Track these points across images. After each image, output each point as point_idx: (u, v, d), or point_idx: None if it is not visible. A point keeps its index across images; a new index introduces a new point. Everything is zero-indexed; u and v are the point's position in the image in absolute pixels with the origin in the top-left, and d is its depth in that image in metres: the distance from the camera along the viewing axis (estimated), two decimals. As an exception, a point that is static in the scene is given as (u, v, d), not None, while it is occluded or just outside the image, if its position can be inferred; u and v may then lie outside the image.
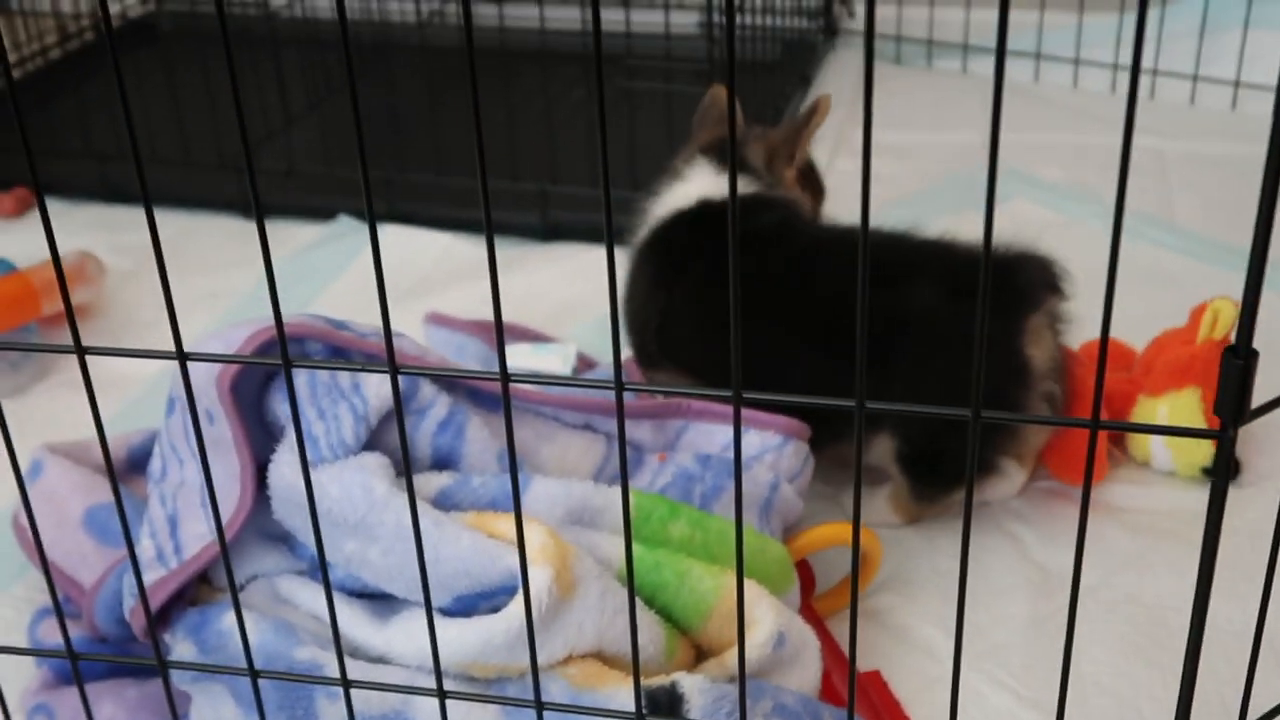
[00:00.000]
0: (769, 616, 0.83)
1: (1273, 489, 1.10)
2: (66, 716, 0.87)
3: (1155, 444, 1.12)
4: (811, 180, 1.20)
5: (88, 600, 0.90)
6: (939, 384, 0.98)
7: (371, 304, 0.55)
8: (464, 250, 1.54)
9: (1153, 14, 1.89)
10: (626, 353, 1.12)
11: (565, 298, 1.41)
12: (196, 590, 0.88)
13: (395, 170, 1.61)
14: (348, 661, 0.73)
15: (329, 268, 1.51)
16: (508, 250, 1.53)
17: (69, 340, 0.61)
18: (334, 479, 0.81)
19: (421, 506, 0.81)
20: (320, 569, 0.64)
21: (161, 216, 0.65)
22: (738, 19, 1.64)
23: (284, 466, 0.83)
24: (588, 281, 1.45)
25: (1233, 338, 0.52)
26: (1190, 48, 1.85)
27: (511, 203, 1.56)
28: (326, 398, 0.85)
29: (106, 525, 0.95)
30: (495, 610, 0.78)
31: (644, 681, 0.77)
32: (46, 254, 0.61)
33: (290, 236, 1.57)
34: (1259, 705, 0.71)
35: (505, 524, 0.82)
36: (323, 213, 1.61)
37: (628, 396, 1.02)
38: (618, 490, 0.88)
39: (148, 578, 0.84)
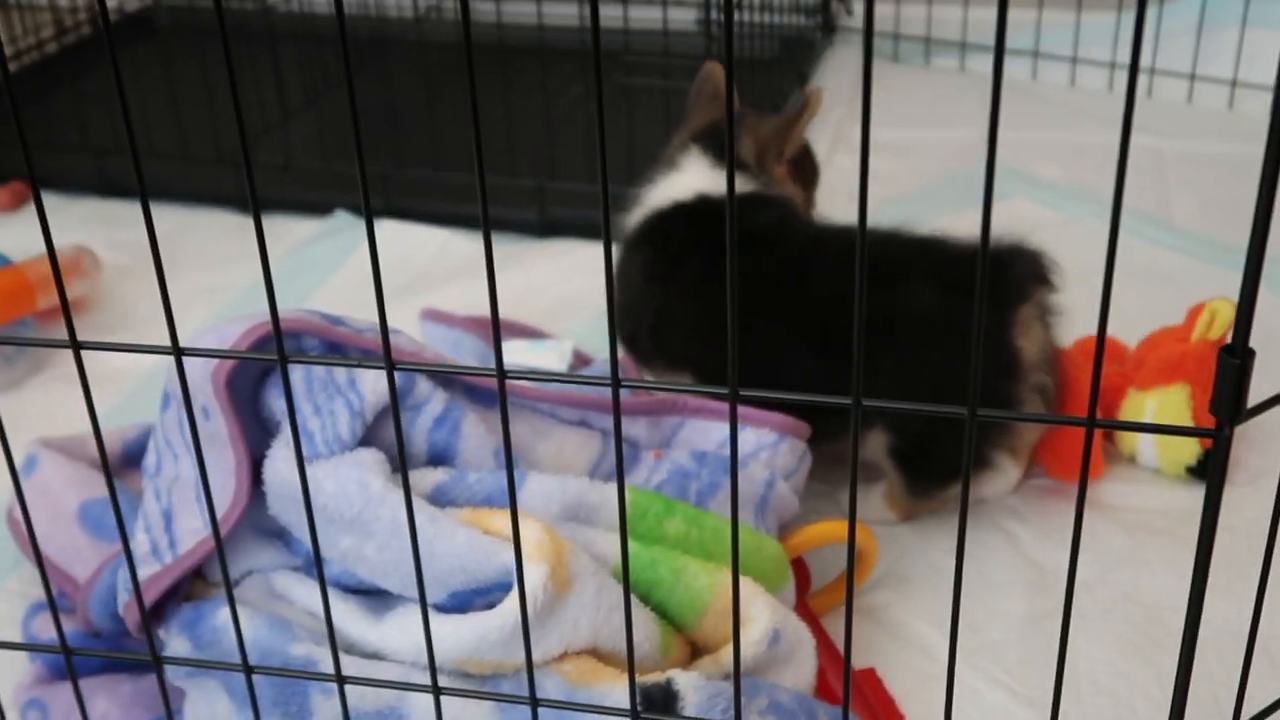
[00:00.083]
0: (764, 614, 0.83)
1: (1268, 487, 1.10)
2: (60, 712, 0.87)
3: (1142, 439, 1.12)
4: (806, 166, 1.20)
5: (82, 595, 0.90)
6: (930, 379, 0.98)
7: (368, 300, 0.55)
8: (461, 246, 1.54)
9: (1150, 12, 1.89)
10: (622, 351, 1.12)
11: (562, 294, 1.41)
12: (191, 586, 0.88)
13: (393, 166, 1.60)
14: (342, 657, 0.73)
15: (326, 263, 1.51)
16: (505, 246, 1.53)
17: (64, 335, 0.61)
18: (330, 475, 0.81)
19: (417, 502, 0.81)
20: (315, 565, 0.64)
21: (158, 211, 0.65)
22: (736, 16, 1.63)
23: (279, 462, 0.83)
24: (585, 278, 1.45)
25: (1229, 337, 0.52)
26: (1188, 46, 1.85)
27: (509, 199, 1.56)
28: (322, 393, 0.85)
29: (101, 520, 0.95)
30: (490, 607, 0.78)
31: (639, 678, 0.77)
32: (42, 248, 0.61)
33: (287, 231, 1.57)
34: (1253, 704, 0.71)
35: (501, 520, 0.82)
36: (320, 208, 1.61)
37: (624, 393, 1.02)
38: (613, 487, 0.88)
39: (142, 573, 0.84)
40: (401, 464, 0.60)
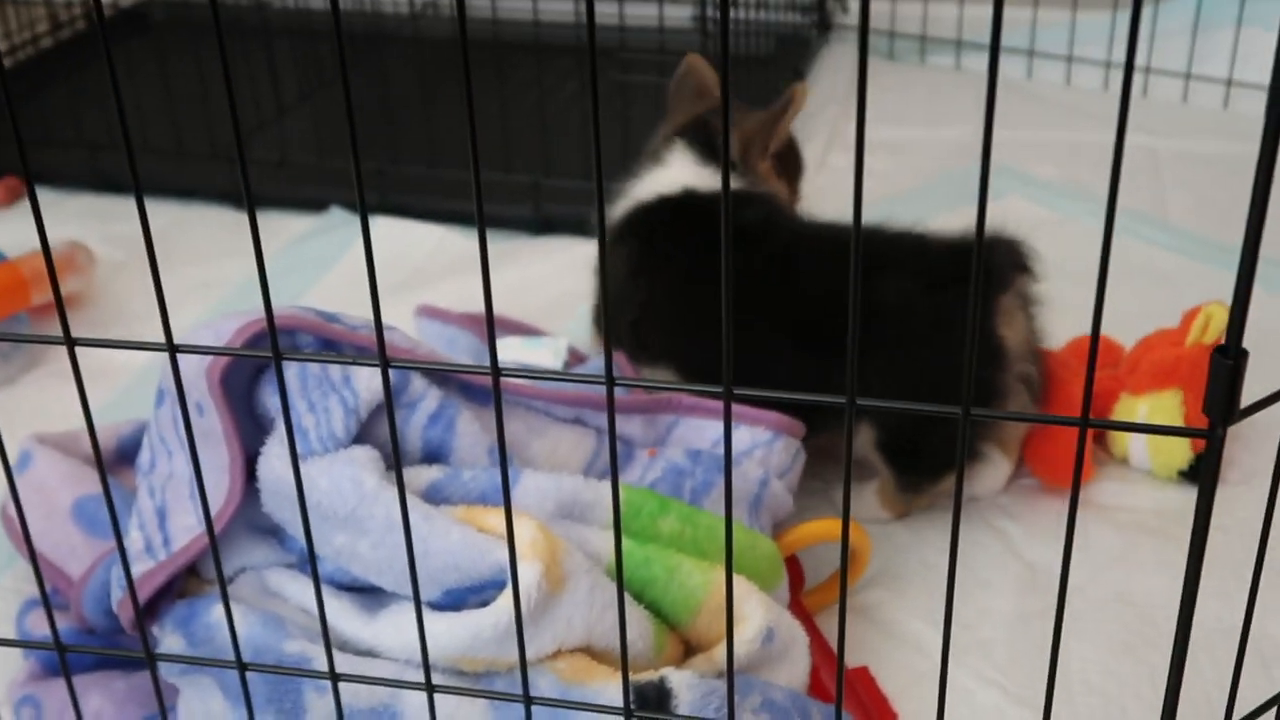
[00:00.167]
0: (758, 612, 0.83)
1: (1260, 487, 1.10)
2: (54, 708, 0.87)
3: (1134, 443, 1.12)
4: (790, 159, 1.20)
5: (76, 592, 0.90)
6: (915, 372, 0.99)
7: (364, 296, 0.55)
8: (456, 243, 1.53)
9: (1146, 11, 1.89)
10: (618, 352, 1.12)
11: (557, 291, 1.41)
12: (185, 583, 0.88)
13: (388, 162, 1.60)
14: (336, 655, 0.73)
15: (321, 259, 1.50)
16: (500, 243, 1.53)
17: (59, 330, 0.60)
18: (324, 472, 0.81)
19: (411, 500, 0.81)
20: (309, 562, 0.64)
21: (153, 207, 0.65)
22: (731, 13, 1.63)
23: (274, 459, 0.83)
24: (580, 275, 1.45)
25: (1224, 340, 0.52)
26: (1183, 46, 1.85)
27: (504, 195, 1.56)
28: (317, 390, 0.85)
29: (95, 516, 0.95)
30: (484, 604, 0.78)
31: (633, 676, 0.77)
32: (37, 243, 0.61)
33: (282, 228, 1.57)
34: (1245, 704, 0.71)
35: (495, 518, 0.82)
36: (315, 204, 1.60)
37: (619, 391, 1.02)
38: (608, 485, 0.88)
39: (136, 570, 0.84)
40: (396, 461, 0.60)
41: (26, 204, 1.47)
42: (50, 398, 1.27)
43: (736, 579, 0.84)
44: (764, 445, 0.98)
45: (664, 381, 1.10)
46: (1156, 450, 1.11)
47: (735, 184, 1.12)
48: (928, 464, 1.05)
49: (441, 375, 0.91)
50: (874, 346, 0.98)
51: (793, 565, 0.97)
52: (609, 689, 0.77)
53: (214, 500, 0.84)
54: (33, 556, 0.69)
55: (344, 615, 0.82)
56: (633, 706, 0.68)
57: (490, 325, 0.55)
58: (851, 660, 0.94)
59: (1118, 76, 1.89)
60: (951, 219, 1.13)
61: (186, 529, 0.85)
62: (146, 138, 1.65)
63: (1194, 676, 0.91)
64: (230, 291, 1.46)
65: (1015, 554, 1.05)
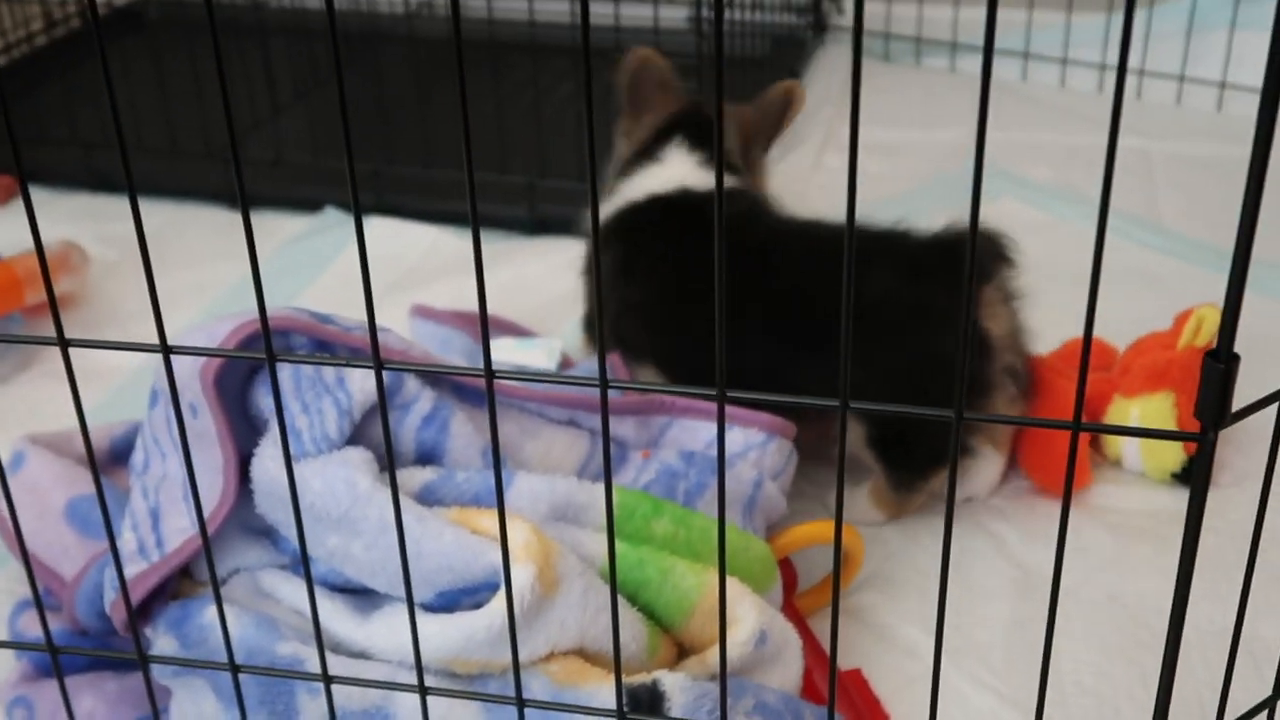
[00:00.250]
0: (751, 615, 0.83)
1: (1252, 489, 1.10)
2: (46, 709, 0.87)
3: (1127, 445, 1.13)
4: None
5: (68, 593, 0.90)
6: (897, 365, 0.99)
7: (358, 297, 0.55)
8: (451, 243, 1.53)
9: (1140, 14, 1.90)
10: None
11: (552, 292, 1.41)
12: (178, 584, 0.87)
13: (383, 162, 1.60)
14: (329, 657, 0.73)
15: (315, 260, 1.50)
16: (495, 244, 1.53)
17: (52, 330, 0.60)
18: (317, 473, 0.81)
19: (405, 502, 0.81)
20: (302, 563, 0.64)
21: (147, 206, 0.65)
22: (726, 14, 1.63)
23: (267, 460, 0.83)
24: (575, 276, 1.45)
25: (1215, 344, 0.53)
26: (1177, 48, 1.86)
27: (499, 196, 1.55)
28: (310, 391, 0.85)
29: (88, 517, 0.95)
30: (477, 606, 0.78)
31: (626, 679, 0.77)
32: (30, 243, 0.61)
33: (277, 228, 1.57)
34: (1237, 705, 0.72)
35: (488, 520, 0.82)
36: (309, 204, 1.60)
37: (612, 393, 1.02)
38: (601, 487, 0.88)
39: (129, 571, 0.84)
40: (389, 463, 0.60)
41: (20, 203, 1.47)
42: (43, 397, 1.27)
43: (730, 581, 0.84)
44: (757, 447, 0.98)
45: (655, 383, 1.10)
46: (1149, 453, 1.12)
47: (733, 182, 1.12)
48: (920, 460, 1.05)
49: (435, 376, 0.91)
50: (855, 340, 0.98)
51: (786, 567, 0.97)
52: (602, 691, 0.77)
53: (207, 502, 0.84)
54: (25, 557, 0.69)
55: (337, 617, 0.81)
56: (626, 709, 0.68)
57: (484, 327, 0.55)
58: (844, 663, 0.94)
59: (1112, 79, 1.89)
60: (945, 221, 1.14)
61: (180, 530, 0.85)
62: (141, 137, 1.65)
63: (1186, 678, 0.92)
64: (224, 292, 1.45)
65: (1008, 556, 1.05)
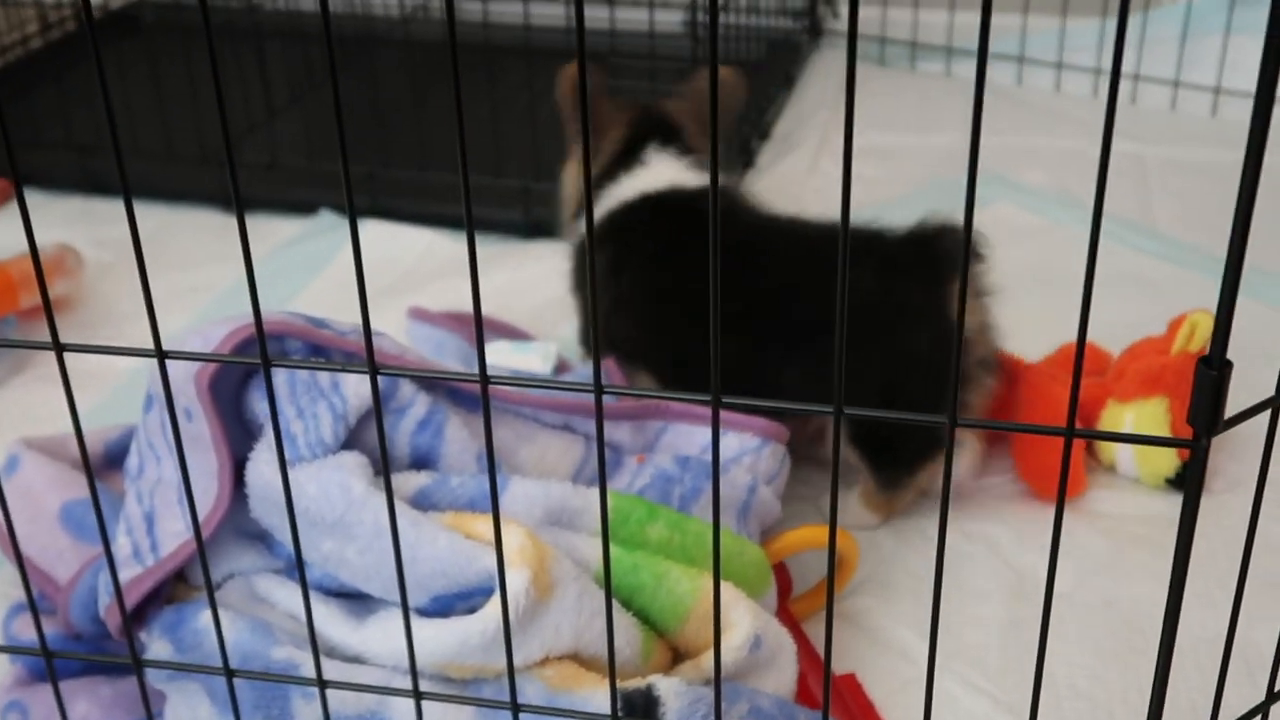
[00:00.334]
0: (746, 619, 0.83)
1: (1245, 495, 1.10)
2: (40, 714, 0.86)
3: (1121, 450, 1.13)
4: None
5: (63, 597, 0.90)
6: (872, 360, 1.00)
7: (353, 300, 0.55)
8: (446, 246, 1.53)
9: (1134, 19, 1.90)
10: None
11: (547, 295, 1.41)
12: (173, 588, 0.87)
13: (378, 165, 1.60)
14: (324, 661, 0.73)
15: (310, 263, 1.50)
16: (490, 247, 1.53)
17: (47, 333, 0.60)
18: (312, 478, 0.81)
19: (399, 506, 0.81)
20: (297, 568, 0.64)
21: (142, 209, 0.65)
22: (722, 18, 1.64)
23: (262, 465, 0.83)
24: (567, 287, 1.45)
25: (1209, 350, 0.53)
26: (1171, 53, 1.86)
27: (494, 199, 1.56)
28: (305, 396, 0.85)
29: (83, 521, 0.94)
30: (472, 611, 0.78)
31: (620, 684, 0.77)
32: (25, 246, 0.61)
33: (272, 231, 1.57)
34: (1230, 710, 0.72)
35: (483, 524, 0.82)
36: (304, 207, 1.60)
37: (607, 398, 1.02)
38: (596, 491, 0.88)
39: (124, 575, 0.84)
40: (384, 467, 0.60)
41: (15, 206, 1.47)
42: (38, 401, 1.27)
43: (724, 586, 0.84)
44: (752, 452, 0.98)
45: (650, 388, 1.10)
46: (1143, 458, 1.12)
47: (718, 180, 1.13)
48: (904, 456, 1.05)
49: (430, 381, 0.91)
50: (831, 337, 0.99)
51: (780, 572, 0.97)
52: (597, 696, 0.77)
53: (202, 506, 0.84)
54: (19, 561, 0.69)
55: (332, 621, 0.81)
56: (620, 714, 0.68)
57: (479, 332, 0.55)
58: (839, 667, 0.94)
59: (1107, 83, 1.89)
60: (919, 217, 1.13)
61: (174, 534, 0.85)
62: (136, 140, 1.65)
63: (1179, 683, 0.92)
64: (218, 295, 1.45)
65: (1003, 561, 1.05)
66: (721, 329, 1.01)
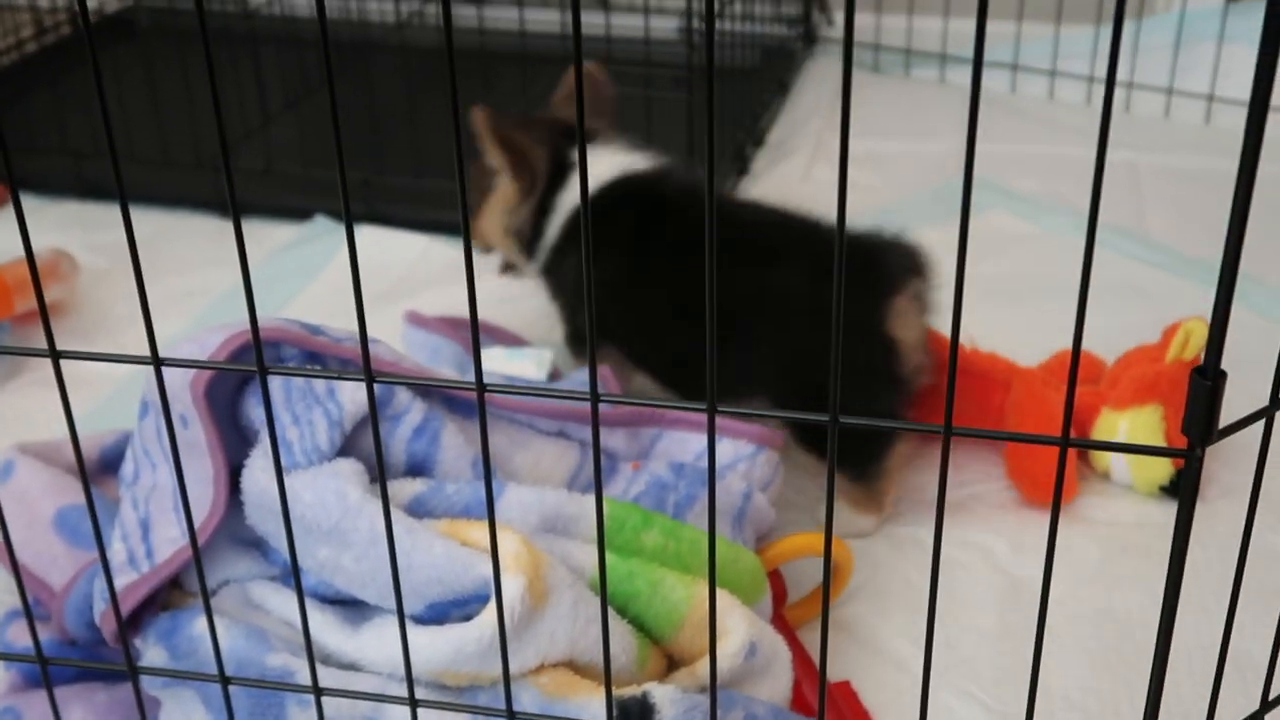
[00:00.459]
0: (741, 626, 0.83)
1: (1240, 504, 1.10)
2: (34, 720, 0.86)
3: (1116, 458, 1.13)
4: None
5: (57, 603, 0.89)
6: (799, 361, 1.01)
7: (348, 306, 0.55)
8: (442, 252, 1.53)
9: (1128, 27, 1.91)
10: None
11: (542, 302, 1.41)
12: (168, 595, 0.87)
13: (373, 171, 1.60)
14: (319, 668, 0.73)
15: (306, 269, 1.50)
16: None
17: (42, 338, 0.60)
18: (308, 485, 0.81)
19: (395, 513, 0.81)
20: (293, 575, 0.64)
21: (137, 214, 0.65)
22: (717, 25, 1.64)
23: (258, 471, 0.83)
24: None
25: (1203, 359, 0.53)
26: (1165, 61, 1.86)
27: (489, 206, 1.55)
28: (301, 403, 0.84)
29: (78, 527, 0.94)
30: (468, 618, 0.78)
31: (615, 691, 0.77)
32: (20, 251, 0.61)
33: (267, 236, 1.57)
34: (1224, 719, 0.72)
35: (479, 532, 0.82)
36: (300, 212, 1.60)
37: (602, 405, 1.02)
38: (591, 498, 0.88)
39: (119, 581, 0.84)
40: (380, 475, 0.60)
41: (10, 211, 1.46)
42: (33, 406, 1.26)
43: (719, 593, 0.84)
44: (747, 459, 0.98)
45: (649, 398, 1.10)
46: (1138, 467, 1.12)
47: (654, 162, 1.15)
48: (867, 447, 1.06)
49: (426, 388, 0.91)
50: (760, 331, 1.01)
51: (775, 579, 0.97)
52: (592, 704, 0.77)
53: (197, 513, 0.83)
54: (14, 567, 0.69)
55: (327, 628, 0.81)
56: (615, 720, 0.68)
57: (475, 339, 0.55)
58: (834, 675, 0.94)
59: (1100, 91, 1.90)
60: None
61: (170, 541, 0.85)
62: (131, 145, 1.65)
63: (1174, 692, 0.92)
64: (214, 300, 1.45)
65: (997, 569, 1.05)
66: (675, 313, 1.03)
